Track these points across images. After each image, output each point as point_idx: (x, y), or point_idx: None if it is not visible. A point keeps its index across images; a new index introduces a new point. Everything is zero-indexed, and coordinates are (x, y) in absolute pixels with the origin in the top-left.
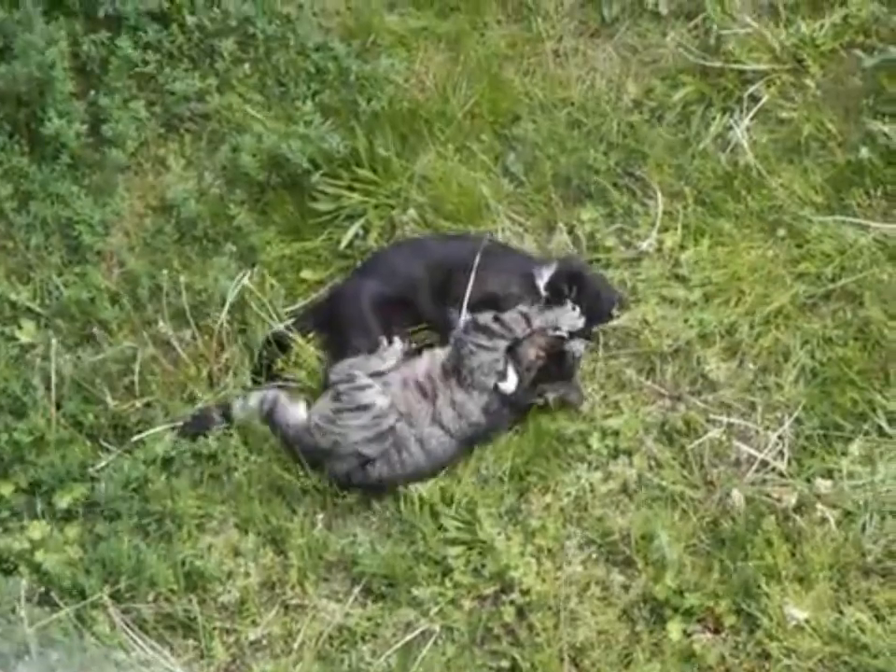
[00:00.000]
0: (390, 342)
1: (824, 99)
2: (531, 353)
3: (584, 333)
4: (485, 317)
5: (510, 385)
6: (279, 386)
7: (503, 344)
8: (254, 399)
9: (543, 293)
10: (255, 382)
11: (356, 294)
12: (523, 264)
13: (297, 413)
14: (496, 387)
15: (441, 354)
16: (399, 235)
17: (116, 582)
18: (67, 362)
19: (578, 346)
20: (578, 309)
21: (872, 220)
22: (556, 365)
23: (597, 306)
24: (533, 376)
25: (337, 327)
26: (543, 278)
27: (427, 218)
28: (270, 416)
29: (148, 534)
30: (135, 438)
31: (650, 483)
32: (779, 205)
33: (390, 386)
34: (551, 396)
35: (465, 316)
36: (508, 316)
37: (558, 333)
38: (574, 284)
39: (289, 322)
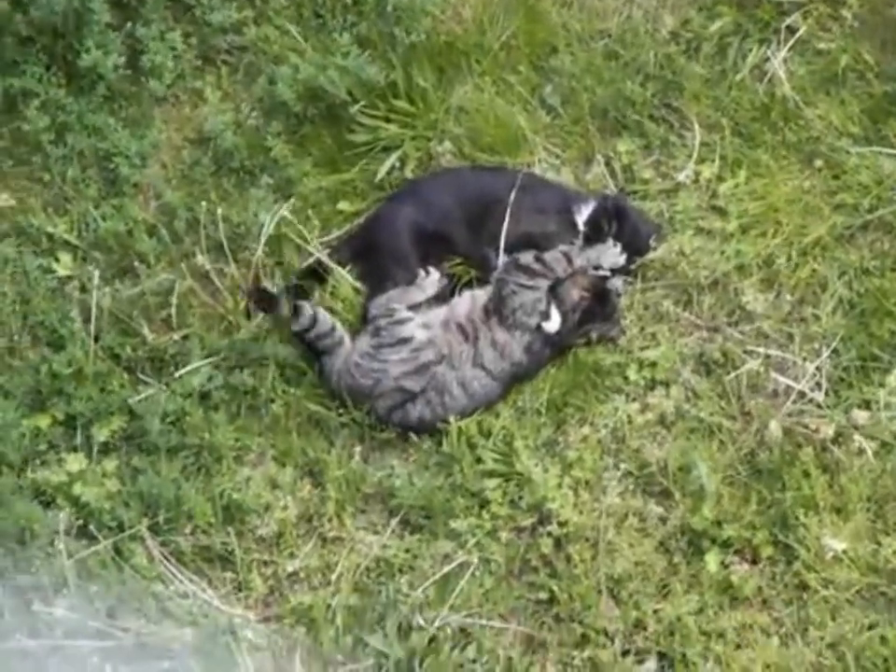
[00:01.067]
0: (427, 272)
1: (861, 30)
2: (574, 293)
3: (624, 269)
4: (526, 257)
5: (553, 324)
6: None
7: (545, 284)
8: (322, 324)
9: (582, 230)
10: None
11: (392, 221)
12: (560, 200)
13: (341, 358)
14: (538, 327)
15: (481, 294)
16: (436, 167)
17: (154, 515)
18: (105, 295)
19: (618, 284)
20: (619, 246)
21: None
22: (599, 304)
23: (637, 241)
24: (578, 317)
25: (374, 255)
26: (582, 215)
27: (463, 150)
28: (319, 352)
29: (186, 467)
30: (178, 374)
31: (687, 415)
32: (816, 136)
33: (431, 329)
34: (594, 334)
35: (503, 257)
36: (549, 256)
37: (600, 273)
38: (614, 220)
39: (326, 252)
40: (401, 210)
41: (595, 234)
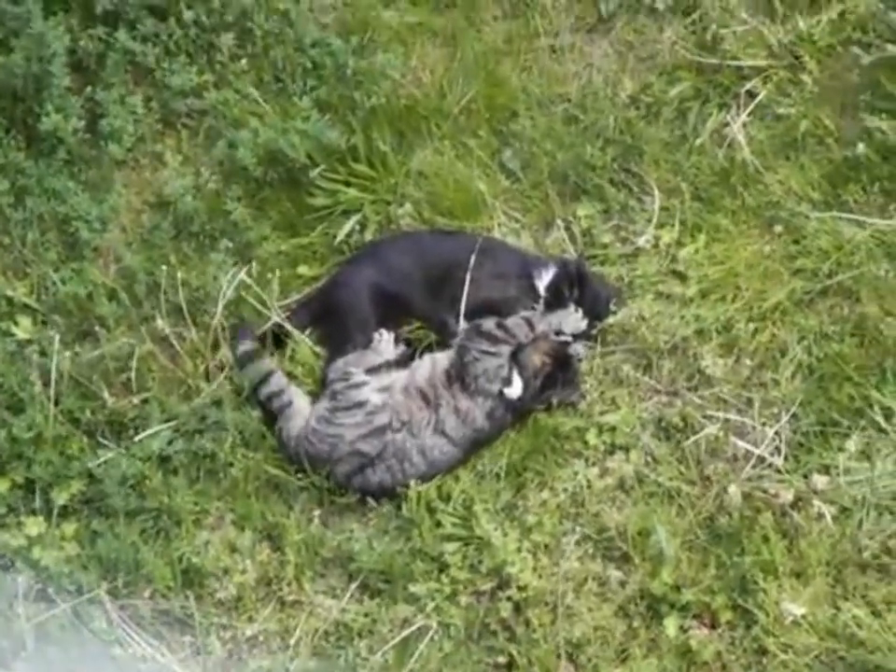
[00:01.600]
0: (380, 335)
1: (821, 95)
2: (536, 359)
3: (585, 334)
4: (488, 324)
5: (515, 390)
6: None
7: (507, 350)
8: (273, 384)
9: (543, 295)
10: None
11: (351, 283)
12: (520, 265)
13: (298, 424)
14: (500, 393)
15: (441, 358)
16: (396, 230)
17: (113, 579)
18: (65, 358)
19: (580, 349)
20: (580, 311)
21: (869, 216)
22: (561, 370)
23: (597, 306)
24: (540, 382)
25: (334, 317)
26: (543, 280)
27: (423, 214)
28: (276, 414)
29: (145, 530)
30: (137, 437)
31: (646, 479)
32: (776, 201)
33: (390, 392)
34: (555, 399)
35: (463, 322)
36: (511, 322)
37: (562, 338)
38: (574, 285)
39: (285, 316)
40: (361, 272)
41: (555, 299)
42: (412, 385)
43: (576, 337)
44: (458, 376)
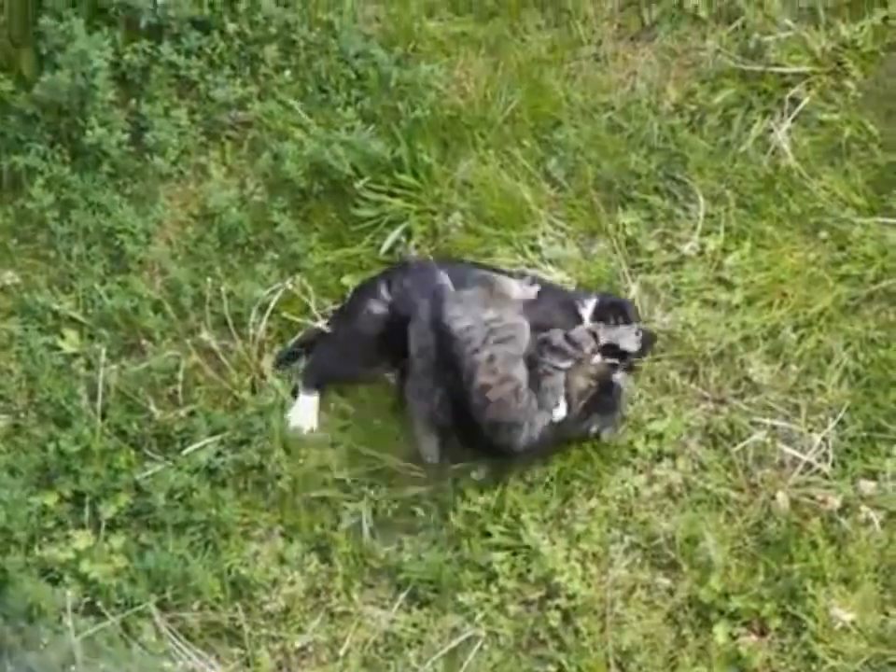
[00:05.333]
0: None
1: (865, 101)
2: (581, 381)
3: (627, 364)
4: (557, 337)
5: (560, 411)
6: None
7: (569, 365)
8: None
9: (587, 320)
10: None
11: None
12: (561, 297)
13: None
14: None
15: None
16: (442, 242)
17: (162, 591)
18: (111, 372)
19: (622, 378)
20: (639, 332)
21: None
22: (604, 395)
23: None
24: (582, 405)
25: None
26: (587, 308)
27: (468, 224)
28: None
29: (193, 543)
30: (185, 450)
31: (694, 487)
32: (821, 208)
33: None
34: (593, 428)
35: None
36: (577, 334)
37: (608, 361)
38: (618, 314)
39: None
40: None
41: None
42: None
43: (621, 359)
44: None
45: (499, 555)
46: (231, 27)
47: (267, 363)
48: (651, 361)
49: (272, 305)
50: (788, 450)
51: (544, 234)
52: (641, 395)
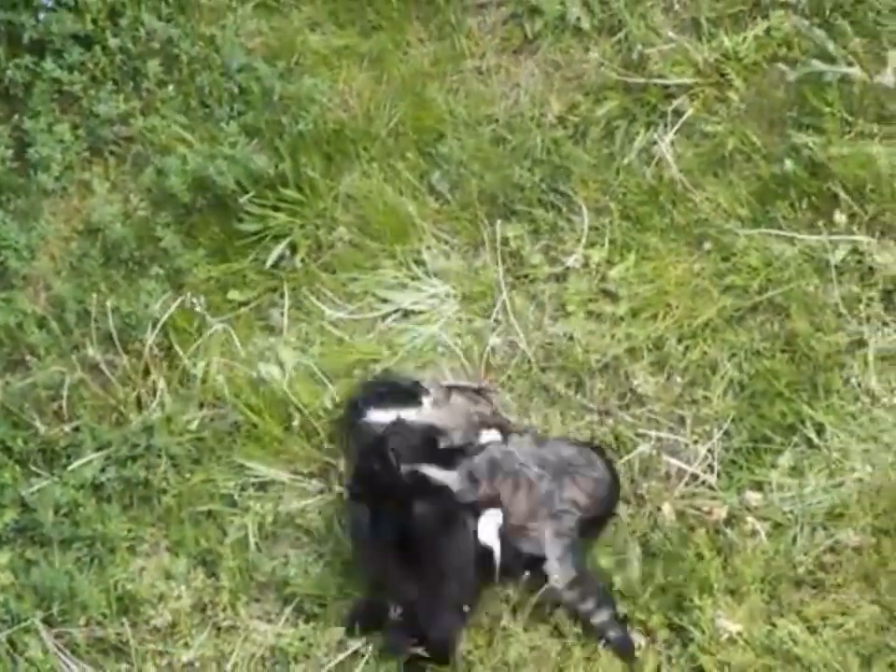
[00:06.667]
0: None
1: (748, 112)
2: None
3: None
4: None
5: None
6: None
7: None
8: None
9: None
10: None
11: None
12: None
13: None
14: None
15: None
16: (328, 255)
17: (48, 607)
18: None
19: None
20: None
21: (797, 232)
22: None
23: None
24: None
25: None
26: None
27: (353, 238)
28: None
29: (80, 558)
30: (70, 466)
31: None
32: (705, 219)
33: None
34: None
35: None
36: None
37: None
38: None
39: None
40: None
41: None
42: None
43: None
44: None
45: None
46: (113, 42)
47: (154, 377)
48: (539, 372)
49: (162, 320)
50: (673, 461)
51: (428, 247)
52: (527, 408)
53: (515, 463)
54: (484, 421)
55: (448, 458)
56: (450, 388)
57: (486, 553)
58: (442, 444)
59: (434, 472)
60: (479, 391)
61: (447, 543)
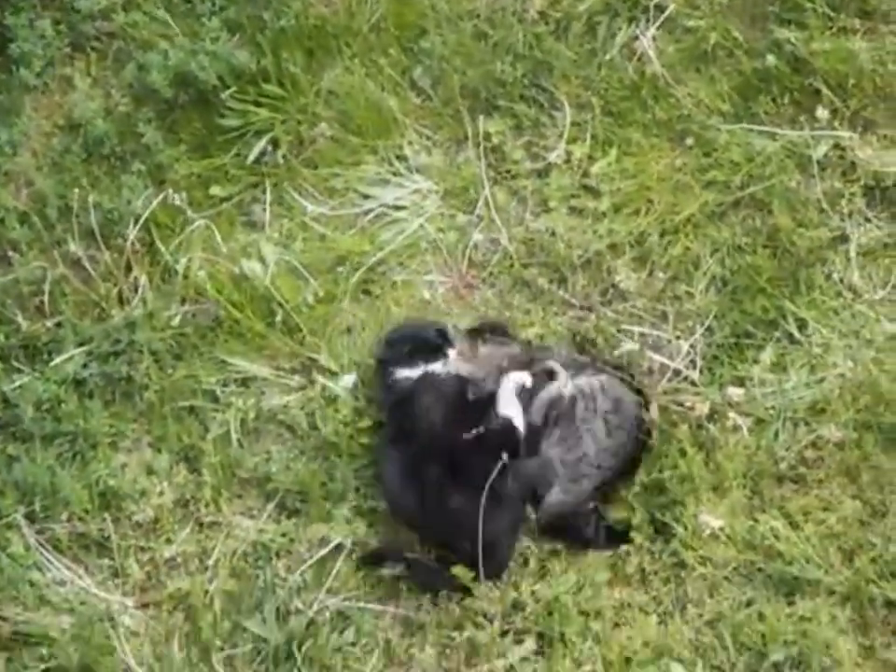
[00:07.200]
0: None
1: (730, 7)
2: None
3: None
4: None
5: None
6: None
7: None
8: None
9: None
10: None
11: None
12: None
13: None
14: None
15: None
16: (310, 151)
17: (30, 503)
18: None
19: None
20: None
21: (779, 128)
22: None
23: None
24: None
25: None
26: None
27: (335, 134)
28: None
29: (62, 454)
30: (52, 361)
31: None
32: (687, 114)
33: None
34: None
35: None
36: None
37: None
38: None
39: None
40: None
41: None
42: None
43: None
44: None
45: (367, 470)
46: None
47: (136, 272)
48: (521, 268)
49: (144, 216)
50: (657, 357)
51: (410, 143)
52: (510, 304)
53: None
54: (512, 364)
55: (479, 408)
56: (475, 332)
57: (507, 427)
58: (472, 394)
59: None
60: (498, 330)
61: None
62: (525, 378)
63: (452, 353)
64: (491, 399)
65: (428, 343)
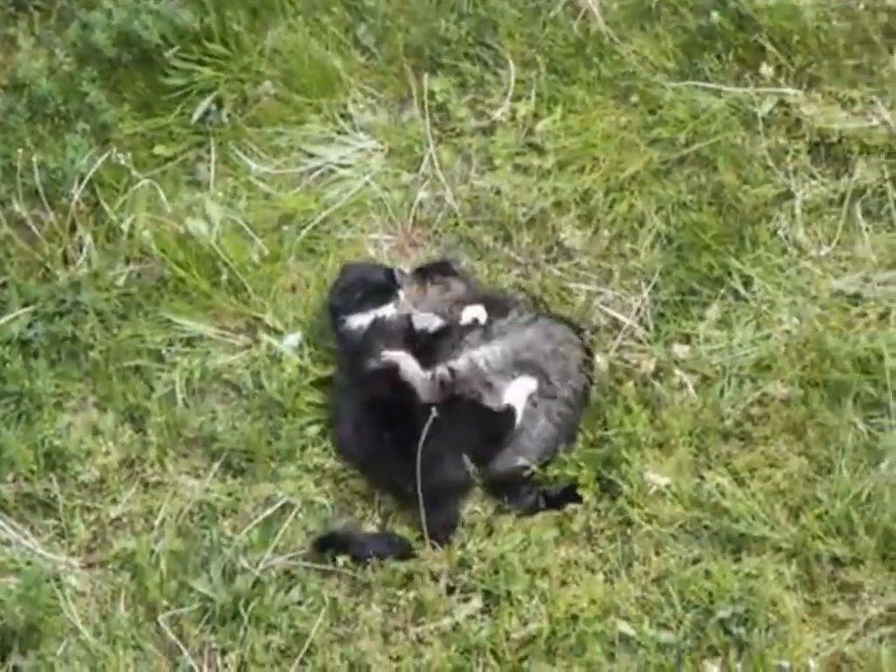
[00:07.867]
0: None
1: None
2: None
3: None
4: None
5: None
6: None
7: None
8: None
9: None
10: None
11: None
12: None
13: None
14: None
15: None
16: (254, 109)
17: None
18: None
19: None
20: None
21: (724, 85)
22: None
23: None
24: None
25: None
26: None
27: (279, 93)
28: None
29: (6, 415)
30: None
31: None
32: (632, 72)
33: None
34: None
35: None
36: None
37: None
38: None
39: None
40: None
41: None
42: None
43: None
44: None
45: (313, 428)
46: None
47: (81, 232)
48: (466, 226)
49: (88, 175)
50: (610, 311)
51: (355, 101)
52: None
53: (489, 375)
54: (462, 300)
55: (429, 346)
56: (422, 273)
57: (508, 412)
58: (420, 330)
59: (410, 366)
60: (446, 269)
61: (447, 425)
62: (532, 385)
63: (402, 294)
64: (444, 332)
65: (378, 286)
